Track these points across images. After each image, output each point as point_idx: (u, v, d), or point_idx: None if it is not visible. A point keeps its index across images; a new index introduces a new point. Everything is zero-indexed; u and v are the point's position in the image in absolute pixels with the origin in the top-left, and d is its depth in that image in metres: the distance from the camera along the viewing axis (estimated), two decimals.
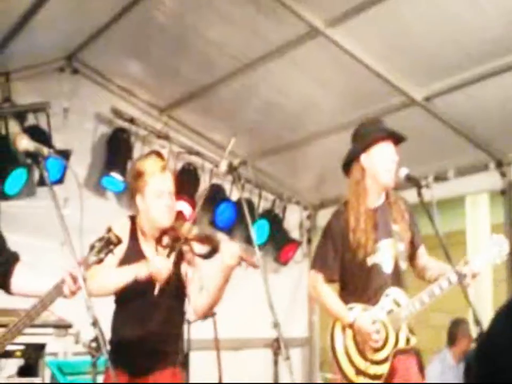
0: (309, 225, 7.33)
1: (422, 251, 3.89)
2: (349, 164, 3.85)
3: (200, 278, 3.43)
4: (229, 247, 3.25)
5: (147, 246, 3.49)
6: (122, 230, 3.38)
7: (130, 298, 3.38)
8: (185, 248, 3.41)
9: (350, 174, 3.84)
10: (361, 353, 3.65)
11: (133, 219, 3.53)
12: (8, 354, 4.19)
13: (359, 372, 3.63)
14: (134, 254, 3.43)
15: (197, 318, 3.59)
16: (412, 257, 3.84)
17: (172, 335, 3.47)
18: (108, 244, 2.79)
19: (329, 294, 3.77)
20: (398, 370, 3.64)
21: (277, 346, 3.02)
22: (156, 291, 3.34)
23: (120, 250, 3.35)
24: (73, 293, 2.75)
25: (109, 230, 2.80)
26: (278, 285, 6.92)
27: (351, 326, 3.65)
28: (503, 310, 1.22)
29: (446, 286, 3.57)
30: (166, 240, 3.43)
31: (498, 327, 1.21)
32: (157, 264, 3.27)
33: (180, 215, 3.60)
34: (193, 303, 3.46)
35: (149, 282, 3.33)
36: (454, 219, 7.57)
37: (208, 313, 3.64)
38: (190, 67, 5.44)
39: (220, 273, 3.28)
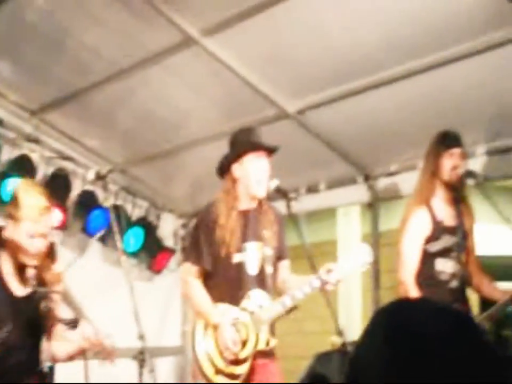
0: (184, 234, 7.28)
1: (285, 264, 3.97)
2: (223, 169, 3.89)
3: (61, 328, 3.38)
4: (84, 330, 3.21)
5: (10, 269, 3.33)
6: None
7: None
8: (49, 295, 3.31)
9: (223, 179, 3.90)
10: (221, 353, 3.67)
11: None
12: None
13: (218, 371, 3.66)
14: None
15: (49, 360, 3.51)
16: (274, 269, 3.91)
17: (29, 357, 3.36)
18: None
19: (199, 289, 3.78)
20: (256, 372, 3.69)
21: (142, 358, 2.99)
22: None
23: None
24: None
25: None
26: (152, 293, 6.86)
27: (215, 326, 3.66)
28: (369, 324, 1.26)
29: (308, 290, 3.66)
30: (30, 277, 3.29)
31: (363, 342, 1.24)
32: None
33: (53, 252, 3.46)
34: (50, 347, 3.42)
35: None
36: (327, 229, 7.78)
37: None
38: (64, 69, 5.28)
39: (74, 349, 3.31)
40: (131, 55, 4.96)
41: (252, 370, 3.68)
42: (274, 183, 3.73)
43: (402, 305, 1.27)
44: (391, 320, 1.22)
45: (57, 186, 6.02)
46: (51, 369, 4.67)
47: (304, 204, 4.98)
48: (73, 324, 3.24)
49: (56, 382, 4.71)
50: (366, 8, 4.07)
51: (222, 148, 4.13)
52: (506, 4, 3.44)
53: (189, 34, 4.53)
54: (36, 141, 5.98)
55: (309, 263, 3.54)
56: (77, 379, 5.23)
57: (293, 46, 4.59)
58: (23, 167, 5.85)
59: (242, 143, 3.86)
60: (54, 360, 3.48)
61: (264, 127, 5.09)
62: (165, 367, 6.98)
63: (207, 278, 3.83)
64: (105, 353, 3.20)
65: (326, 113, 5.14)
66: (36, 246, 3.26)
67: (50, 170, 6.12)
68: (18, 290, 3.33)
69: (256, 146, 3.83)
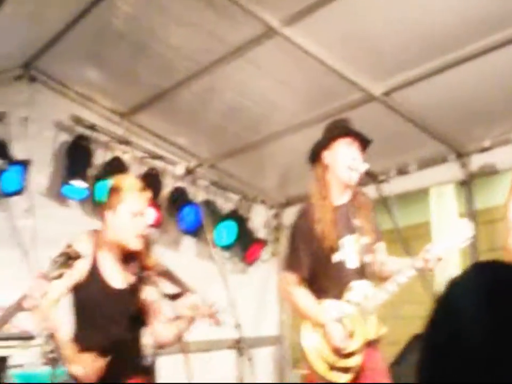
0: (275, 224, 7.33)
1: (380, 247, 3.93)
2: (314, 156, 3.89)
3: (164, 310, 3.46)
4: (190, 300, 3.27)
5: (108, 263, 3.44)
6: (86, 247, 3.37)
7: (90, 312, 3.36)
8: (151, 277, 3.41)
9: (313, 166, 3.89)
10: (331, 348, 3.67)
11: (96, 234, 3.46)
12: None
13: (330, 366, 3.65)
14: (93, 278, 3.39)
15: (156, 347, 3.60)
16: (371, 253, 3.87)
17: (132, 349, 3.47)
18: (68, 259, 2.86)
19: (303, 294, 3.77)
20: (365, 363, 3.68)
21: (240, 346, 3.03)
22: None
23: (82, 268, 3.35)
24: (35, 307, 2.74)
25: (69, 246, 2.86)
26: (247, 284, 6.95)
27: (322, 326, 3.66)
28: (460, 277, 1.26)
29: (411, 273, 3.61)
30: (131, 266, 3.43)
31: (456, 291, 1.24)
32: (80, 369, 3.21)
33: (149, 240, 3.56)
34: (156, 333, 3.51)
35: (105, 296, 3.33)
36: (420, 211, 7.64)
37: (163, 347, 3.66)
38: (149, 71, 5.41)
39: (181, 322, 3.35)
40: (213, 51, 5.02)
41: (362, 362, 3.67)
42: (364, 166, 3.69)
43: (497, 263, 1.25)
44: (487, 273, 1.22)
45: (149, 185, 6.15)
46: (153, 362, 4.81)
47: (395, 186, 4.91)
48: (177, 296, 3.33)
49: (158, 376, 4.86)
50: None
51: (309, 136, 4.12)
52: None
53: (270, 25, 4.55)
54: (127, 142, 6.17)
55: (402, 246, 3.49)
56: (178, 372, 5.39)
57: (374, 28, 4.53)
58: (116, 169, 6.03)
59: (334, 130, 3.86)
60: (160, 346, 3.57)
61: (351, 112, 5.10)
62: (263, 358, 7.02)
63: (308, 280, 3.83)
64: (212, 320, 3.26)
65: (413, 93, 5.05)
66: (139, 225, 3.37)
67: (142, 170, 6.30)
68: (119, 283, 3.44)
69: (346, 132, 3.82)
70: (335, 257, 3.72)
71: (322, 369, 3.66)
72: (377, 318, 3.75)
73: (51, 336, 2.61)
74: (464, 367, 1.13)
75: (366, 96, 5.14)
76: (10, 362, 4.43)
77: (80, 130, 5.90)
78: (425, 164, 5.78)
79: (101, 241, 3.45)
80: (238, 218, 6.88)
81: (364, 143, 3.86)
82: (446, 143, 5.54)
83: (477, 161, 5.49)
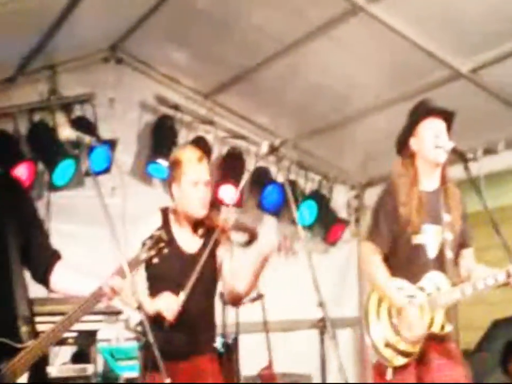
0: (357, 205, 7.26)
1: (468, 253, 3.80)
2: (401, 146, 3.82)
3: (236, 264, 3.49)
4: (266, 236, 3.30)
5: (181, 232, 3.52)
6: (156, 220, 3.48)
7: (164, 285, 3.43)
8: (222, 236, 3.48)
9: (401, 156, 3.82)
10: (394, 327, 3.62)
11: (164, 212, 3.57)
12: (61, 342, 4.28)
13: (388, 344, 3.60)
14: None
15: (228, 302, 3.67)
16: (456, 255, 3.76)
17: (207, 321, 3.52)
18: (158, 242, 2.87)
19: (377, 264, 3.72)
20: (430, 355, 3.59)
21: (322, 325, 3.01)
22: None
23: None
24: (119, 292, 2.80)
25: (159, 228, 2.88)
26: (327, 265, 6.91)
27: (399, 310, 3.61)
28: None
29: (491, 283, 3.46)
30: (201, 231, 3.52)
31: None
32: (162, 304, 3.29)
33: (216, 203, 3.65)
34: (228, 288, 3.54)
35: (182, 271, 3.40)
36: (507, 193, 7.41)
37: (241, 300, 3.68)
38: (233, 51, 5.44)
39: (257, 262, 3.36)
40: (296, 30, 5.00)
41: (424, 354, 3.59)
42: (450, 144, 3.60)
43: None
44: None
45: (232, 164, 6.25)
46: (235, 340, 4.87)
47: (482, 166, 4.77)
48: (250, 242, 3.37)
49: (240, 353, 4.91)
50: None
51: (393, 116, 4.07)
52: None
53: (355, 2, 4.48)
54: (210, 122, 6.23)
55: (493, 228, 3.37)
56: (260, 350, 5.44)
57: (462, 2, 4.40)
58: (199, 148, 6.09)
59: (415, 113, 3.78)
60: (238, 298, 3.59)
61: (437, 90, 4.99)
62: (343, 339, 7.01)
63: (386, 256, 3.79)
64: (285, 249, 3.29)
65: (501, 69, 4.90)
66: (200, 195, 3.45)
67: (224, 149, 6.37)
68: (191, 248, 3.50)
69: (428, 111, 3.72)
70: (415, 239, 3.65)
71: (379, 343, 3.61)
72: (463, 302, 3.65)
73: (138, 308, 2.66)
74: None
75: (453, 73, 5.02)
76: (100, 336, 4.60)
77: (164, 110, 6.02)
78: None
79: (174, 215, 3.55)
80: (320, 198, 6.87)
81: (448, 118, 3.76)
82: None
83: None
